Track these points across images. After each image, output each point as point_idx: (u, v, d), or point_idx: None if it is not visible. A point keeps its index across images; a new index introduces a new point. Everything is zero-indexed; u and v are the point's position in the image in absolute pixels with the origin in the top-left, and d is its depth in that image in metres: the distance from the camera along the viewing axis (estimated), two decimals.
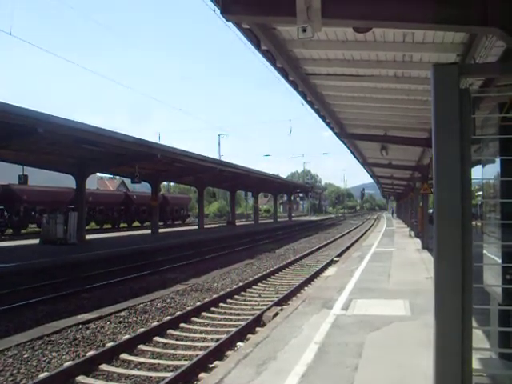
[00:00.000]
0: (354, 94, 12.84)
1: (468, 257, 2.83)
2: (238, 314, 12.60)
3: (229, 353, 9.04)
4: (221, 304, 13.63)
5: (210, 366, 8.41)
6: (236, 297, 14.72)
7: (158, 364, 8.73)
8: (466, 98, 2.82)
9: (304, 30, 5.76)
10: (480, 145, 4.78)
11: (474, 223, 3.15)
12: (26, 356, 8.97)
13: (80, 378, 7.89)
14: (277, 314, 11.09)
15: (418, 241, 25.94)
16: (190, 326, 11.40)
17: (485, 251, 4.58)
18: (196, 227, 49.15)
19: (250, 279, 17.48)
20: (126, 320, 11.82)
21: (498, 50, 7.65)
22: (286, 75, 11.09)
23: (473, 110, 3.03)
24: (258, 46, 9.01)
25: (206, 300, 13.77)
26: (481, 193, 5.49)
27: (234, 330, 10.52)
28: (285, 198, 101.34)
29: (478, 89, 9.35)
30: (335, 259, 22.91)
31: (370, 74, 10.86)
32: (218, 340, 9.88)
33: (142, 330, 10.72)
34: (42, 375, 7.95)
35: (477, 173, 4.15)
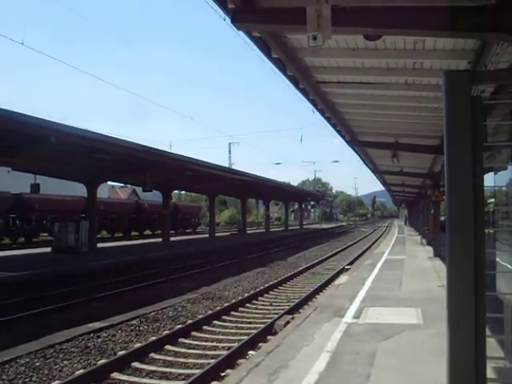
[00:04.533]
0: (365, 101, 12.83)
1: (481, 264, 2.80)
2: (250, 323, 12.57)
3: (240, 361, 9.00)
4: (232, 312, 13.61)
5: (222, 374, 8.38)
6: (247, 305, 14.69)
7: (170, 372, 8.72)
8: (477, 105, 2.80)
9: (314, 38, 5.77)
10: (492, 152, 4.75)
11: (486, 230, 3.12)
12: (37, 364, 8.99)
13: None
14: (288, 322, 11.05)
15: (430, 248, 25.79)
16: (202, 335, 11.38)
17: (497, 259, 4.54)
18: (207, 235, 49.16)
19: (262, 287, 17.46)
20: (137, 328, 11.83)
21: (509, 57, 7.62)
22: (296, 83, 11.11)
23: (485, 116, 3.01)
24: (268, 54, 9.03)
25: (218, 308, 13.77)
26: (493, 200, 5.45)
27: (246, 338, 10.49)
28: (296, 205, 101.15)
29: (489, 96, 9.30)
30: (346, 267, 22.79)
31: (380, 81, 10.85)
32: (229, 348, 9.86)
33: (153, 338, 10.72)
34: (54, 383, 7.97)
35: (489, 180, 4.12)
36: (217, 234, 50.69)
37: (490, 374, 3.06)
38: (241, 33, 7.75)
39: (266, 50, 8.82)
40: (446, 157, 2.86)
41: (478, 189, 2.83)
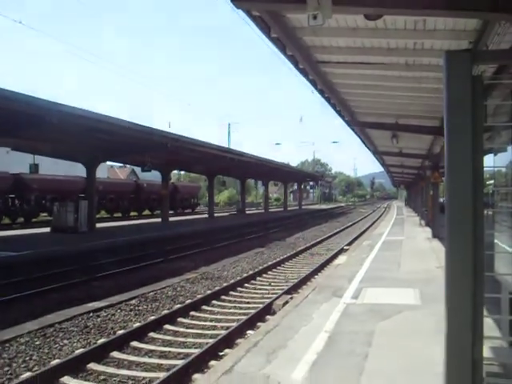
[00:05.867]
0: (365, 82, 12.75)
1: (480, 245, 2.80)
2: (248, 303, 12.64)
3: (239, 341, 9.08)
4: (231, 292, 13.68)
5: (220, 353, 8.45)
6: (246, 285, 14.76)
7: (169, 352, 8.79)
8: (478, 85, 2.78)
9: (314, 18, 5.72)
10: (492, 133, 4.74)
11: (485, 212, 3.12)
12: (37, 343, 9.06)
13: (91, 365, 7.95)
14: (287, 302, 11.10)
15: (429, 229, 25.86)
16: (201, 314, 11.45)
17: (496, 240, 4.54)
18: (206, 216, 49.20)
19: (260, 268, 17.52)
20: (136, 308, 11.89)
21: (511, 37, 7.56)
22: (296, 63, 11.02)
23: (485, 97, 2.99)
24: (268, 34, 8.95)
25: (217, 288, 13.82)
26: (492, 181, 5.45)
27: (244, 318, 10.56)
28: (295, 186, 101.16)
29: (490, 76, 9.24)
30: (345, 248, 22.88)
31: (380, 61, 10.78)
32: (228, 328, 9.92)
33: (152, 317, 10.78)
34: (54, 362, 8.02)
35: (488, 161, 4.11)
36: (216, 215, 50.72)
37: (486, 353, 3.08)
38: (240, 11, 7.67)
39: (265, 29, 8.73)
40: (446, 137, 2.84)
41: (478, 170, 2.82)
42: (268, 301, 12.00)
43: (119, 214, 48.91)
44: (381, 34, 8.85)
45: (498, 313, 4.47)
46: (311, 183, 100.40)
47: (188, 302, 12.27)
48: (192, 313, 11.44)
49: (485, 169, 3.05)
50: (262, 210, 66.75)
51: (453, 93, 2.79)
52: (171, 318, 10.77)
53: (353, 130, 21.27)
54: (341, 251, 21.82)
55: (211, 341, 9.00)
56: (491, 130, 4.50)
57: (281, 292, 12.99)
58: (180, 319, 10.89)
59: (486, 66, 8.82)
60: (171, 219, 40.63)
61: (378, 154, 31.23)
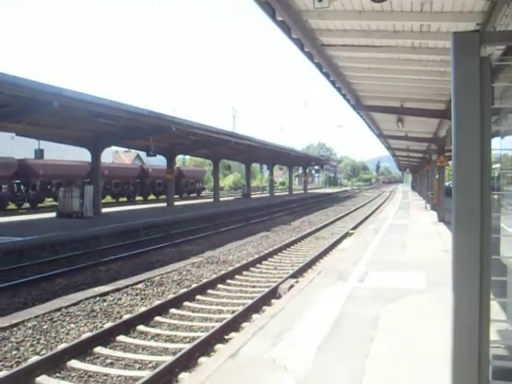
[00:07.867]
0: (370, 65, 12.67)
1: (487, 229, 2.79)
2: (254, 286, 12.66)
3: (245, 324, 9.10)
4: (236, 276, 13.70)
5: (226, 337, 8.49)
6: (252, 269, 14.78)
7: (175, 335, 8.83)
8: (486, 67, 2.75)
9: (320, 0, 5.68)
10: (499, 116, 4.70)
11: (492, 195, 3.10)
12: (45, 327, 9.10)
13: (98, 349, 8.00)
14: (292, 286, 11.12)
15: (434, 213, 25.81)
16: (206, 298, 11.48)
17: (502, 224, 4.53)
18: (211, 200, 49.24)
19: (266, 252, 17.52)
20: (142, 292, 11.93)
21: None
22: (301, 46, 10.96)
23: (493, 79, 2.96)
24: (273, 17, 8.89)
25: (222, 272, 13.84)
26: (498, 165, 5.43)
27: (250, 302, 10.58)
28: (300, 170, 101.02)
29: (497, 58, 9.17)
30: (350, 232, 22.89)
31: (386, 44, 10.70)
32: (233, 312, 9.96)
33: (158, 302, 10.82)
34: (61, 346, 8.06)
35: (494, 145, 4.09)
36: (221, 199, 50.78)
37: (492, 336, 3.08)
38: None
39: (270, 12, 8.68)
40: (453, 120, 2.82)
41: (486, 153, 2.80)
42: (274, 284, 12.02)
43: (124, 199, 49.02)
44: (387, 17, 8.79)
45: (504, 296, 4.48)
46: (316, 167, 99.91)
47: (194, 285, 12.31)
48: (198, 297, 11.48)
49: (492, 150, 3.03)
50: (268, 194, 66.76)
51: (460, 75, 2.77)
52: (177, 302, 10.82)
53: (358, 113, 21.20)
54: (346, 235, 21.84)
55: (217, 324, 9.03)
56: (498, 112, 4.47)
57: (286, 276, 13.01)
58: (186, 303, 10.93)
59: (494, 49, 8.75)
60: (176, 203, 40.70)
61: (383, 137, 31.12)
